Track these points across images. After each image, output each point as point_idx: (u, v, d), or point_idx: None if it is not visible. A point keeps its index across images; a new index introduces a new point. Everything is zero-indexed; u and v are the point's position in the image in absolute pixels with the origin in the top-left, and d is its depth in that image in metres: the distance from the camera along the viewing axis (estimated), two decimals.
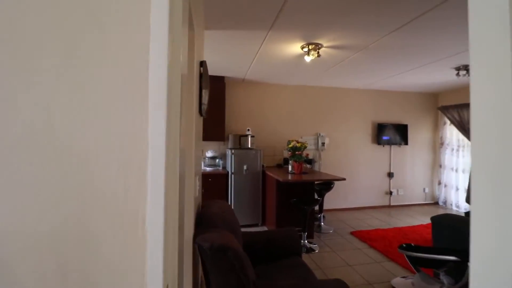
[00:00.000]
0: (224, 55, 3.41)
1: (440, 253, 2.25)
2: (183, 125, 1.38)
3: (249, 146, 4.42)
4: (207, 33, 2.72)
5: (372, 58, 3.44)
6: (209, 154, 4.45)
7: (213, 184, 4.09)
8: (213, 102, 4.34)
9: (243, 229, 4.11)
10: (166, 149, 0.58)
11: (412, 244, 2.49)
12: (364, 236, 3.69)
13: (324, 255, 3.18)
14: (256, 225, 4.24)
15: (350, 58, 3.42)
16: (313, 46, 2.90)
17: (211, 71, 4.17)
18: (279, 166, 4.78)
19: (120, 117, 0.58)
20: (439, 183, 5.61)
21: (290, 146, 3.69)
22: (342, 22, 2.43)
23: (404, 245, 2.44)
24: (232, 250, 1.31)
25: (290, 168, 3.92)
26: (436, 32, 2.60)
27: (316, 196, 3.84)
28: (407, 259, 2.42)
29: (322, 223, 4.07)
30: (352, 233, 3.85)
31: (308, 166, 4.66)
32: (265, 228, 4.12)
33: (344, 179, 3.42)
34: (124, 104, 0.58)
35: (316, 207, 3.86)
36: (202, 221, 1.57)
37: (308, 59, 3.01)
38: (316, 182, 3.74)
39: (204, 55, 3.49)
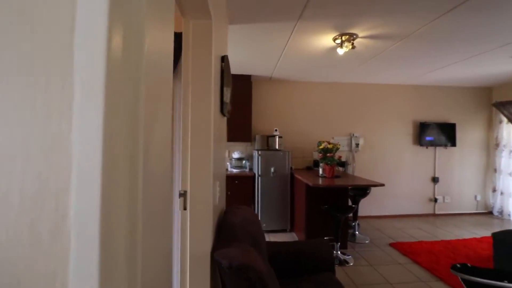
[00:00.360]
0: (250, 52, 3.25)
1: (505, 278, 1.86)
2: (198, 126, 1.23)
3: (277, 147, 4.22)
4: (232, 28, 2.57)
5: (415, 48, 3.05)
6: (235, 155, 4.33)
7: (239, 187, 3.96)
8: (239, 102, 4.23)
9: (270, 235, 3.95)
10: (104, 160, 0.37)
11: (469, 265, 2.11)
12: (405, 249, 3.29)
13: (360, 269, 2.86)
14: (284, 230, 4.02)
15: (389, 49, 3.07)
16: (347, 37, 2.62)
17: (237, 70, 4.05)
18: (308, 168, 4.51)
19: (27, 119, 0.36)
20: (494, 190, 4.91)
21: (321, 147, 3.42)
22: (381, 7, 2.13)
23: (458, 266, 2.07)
24: (254, 271, 1.13)
25: (320, 171, 3.65)
26: (495, 13, 2.19)
27: (350, 203, 3.52)
28: (462, 282, 2.04)
29: (357, 232, 3.72)
30: (391, 245, 3.47)
31: (341, 169, 4.32)
32: (293, 235, 3.88)
33: (382, 184, 3.07)
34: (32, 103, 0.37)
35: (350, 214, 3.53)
36: (222, 232, 1.41)
37: (341, 51, 2.73)
38: (350, 188, 3.42)
39: (230, 53, 3.37)
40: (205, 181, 1.26)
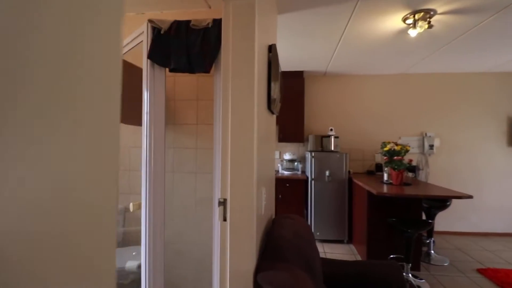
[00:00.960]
0: (302, 45, 2.97)
1: None
2: (239, 124, 1.05)
3: (332, 149, 3.84)
4: (281, 20, 2.36)
5: None
6: (286, 156, 4.09)
7: (290, 190, 3.71)
8: (291, 100, 3.98)
9: (324, 245, 3.60)
10: None
11: None
12: (501, 279, 2.59)
13: None
14: (341, 241, 3.62)
15: (476, 27, 2.45)
16: (422, 14, 2.15)
17: (288, 67, 3.81)
18: (369, 173, 3.99)
19: None
20: None
21: (386, 149, 2.94)
22: None
23: None
24: None
25: (385, 176, 3.16)
26: None
27: (424, 216, 2.95)
28: None
29: (432, 251, 3.11)
30: (480, 271, 2.78)
31: (410, 175, 3.71)
32: (352, 248, 3.46)
33: (470, 196, 2.45)
34: None
35: None
36: (269, 248, 1.20)
37: (413, 33, 2.26)
38: (424, 198, 2.86)
39: (280, 49, 3.15)
40: (247, 187, 1.07)
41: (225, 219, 1.08)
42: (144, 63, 1.20)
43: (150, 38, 1.18)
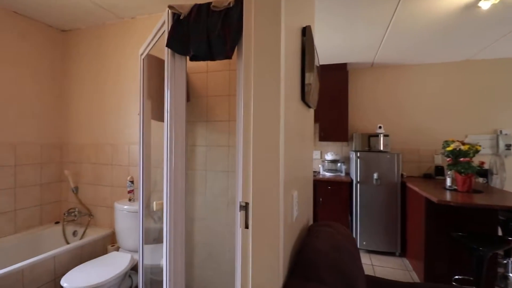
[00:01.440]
0: (345, 33, 2.69)
1: None
2: (262, 117, 0.89)
3: (381, 148, 3.43)
4: (320, 7, 2.14)
5: None
6: (328, 157, 3.79)
7: (333, 193, 3.41)
8: (333, 96, 3.68)
9: (372, 256, 3.20)
10: None
11: None
12: None
13: None
14: (392, 254, 3.21)
15: None
16: None
17: (329, 59, 3.52)
18: (427, 177, 3.48)
19: None
20: None
21: (449, 149, 2.48)
22: None
23: None
24: None
25: (448, 181, 2.68)
26: None
27: (500, 232, 2.42)
28: None
29: (511, 274, 2.54)
30: None
31: (481, 180, 3.11)
32: (405, 262, 3.02)
33: None
34: None
35: None
36: (300, 263, 1.01)
37: (486, 4, 1.84)
38: (501, 210, 2.33)
39: (320, 40, 2.90)
40: (271, 190, 0.90)
41: (247, 226, 0.93)
42: (165, 54, 1.12)
43: (170, 26, 1.09)
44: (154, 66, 1.50)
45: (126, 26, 2.63)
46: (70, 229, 2.67)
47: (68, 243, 2.59)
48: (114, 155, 2.65)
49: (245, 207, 0.94)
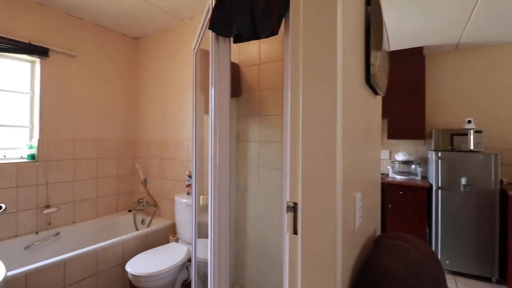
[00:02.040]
0: (421, 5, 2.25)
1: None
2: (312, 101, 0.73)
3: (471, 148, 2.81)
4: None
5: None
6: (399, 157, 3.30)
7: (405, 200, 2.95)
8: (405, 86, 3.18)
9: (458, 279, 2.61)
10: None
11: None
12: None
13: None
14: (486, 279, 2.58)
15: None
16: None
17: (401, 43, 3.03)
18: None
19: None
20: None
21: None
22: None
23: None
24: None
25: None
26: None
27: None
28: None
29: None
30: None
31: None
32: None
33: None
34: None
35: None
36: (364, 285, 0.81)
37: None
38: None
39: (389, 16, 2.51)
40: (326, 189, 0.73)
41: (295, 232, 0.78)
42: (209, 39, 1.06)
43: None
44: (205, 60, 1.46)
45: (186, 26, 2.74)
46: (139, 217, 2.93)
47: (137, 229, 2.83)
48: (176, 151, 2.79)
49: (293, 208, 0.79)
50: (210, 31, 1.05)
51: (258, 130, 2.00)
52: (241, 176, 2.09)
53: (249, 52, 2.03)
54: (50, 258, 1.87)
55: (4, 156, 2.28)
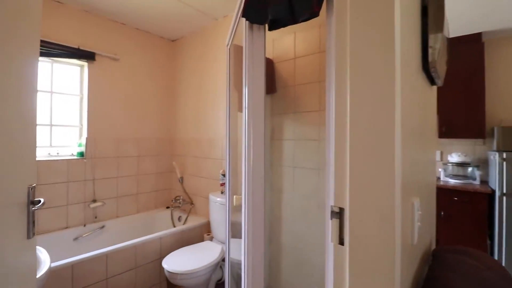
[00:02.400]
0: None
1: None
2: (363, 88, 0.62)
3: None
4: None
5: None
6: (453, 158, 2.94)
7: (461, 207, 2.61)
8: (460, 78, 2.81)
9: None
10: None
11: None
12: None
13: None
14: None
15: None
16: None
17: (456, 29, 2.68)
18: None
19: None
20: None
21: None
22: None
23: None
24: None
25: None
26: None
27: None
28: None
29: None
30: None
31: None
32: None
33: None
34: None
35: None
36: None
37: None
38: None
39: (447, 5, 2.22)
40: (382, 192, 0.61)
41: (341, 242, 0.68)
42: (243, 28, 0.99)
43: None
44: (239, 56, 1.40)
45: (219, 25, 2.74)
46: (176, 214, 3.00)
47: (174, 226, 2.91)
48: (210, 149, 2.81)
49: (339, 214, 0.68)
50: (244, 23, 0.99)
51: (293, 128, 1.90)
52: (275, 176, 2.00)
53: (284, 46, 1.94)
54: (96, 249, 1.97)
55: (57, 153, 2.48)
